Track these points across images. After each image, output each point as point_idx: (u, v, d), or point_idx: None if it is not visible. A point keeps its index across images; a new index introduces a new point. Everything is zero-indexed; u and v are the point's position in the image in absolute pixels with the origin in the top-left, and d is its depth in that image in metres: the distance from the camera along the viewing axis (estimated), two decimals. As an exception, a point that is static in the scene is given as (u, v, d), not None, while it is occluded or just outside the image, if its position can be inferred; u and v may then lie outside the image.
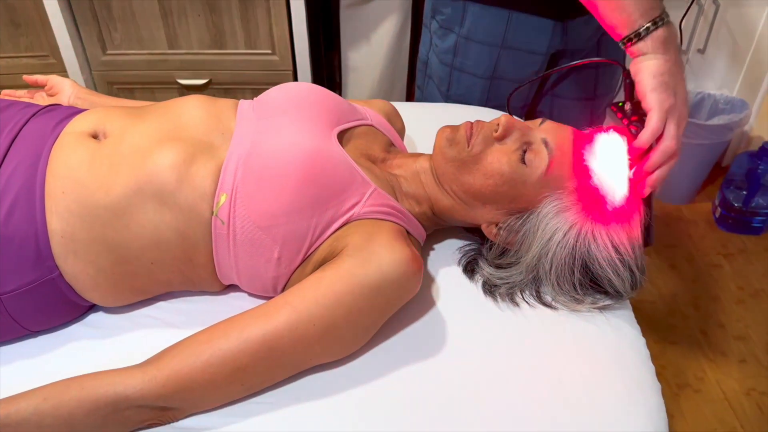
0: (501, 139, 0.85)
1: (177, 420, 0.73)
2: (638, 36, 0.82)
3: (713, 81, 2.17)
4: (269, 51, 2.00)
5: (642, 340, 0.86)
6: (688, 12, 1.99)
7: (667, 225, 2.17)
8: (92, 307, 0.86)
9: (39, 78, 1.18)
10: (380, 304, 0.76)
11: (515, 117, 0.88)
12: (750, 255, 2.07)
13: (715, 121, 2.09)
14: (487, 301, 0.88)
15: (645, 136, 0.81)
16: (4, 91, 1.17)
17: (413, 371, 0.79)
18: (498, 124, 0.85)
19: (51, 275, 0.79)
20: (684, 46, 2.06)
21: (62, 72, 2.00)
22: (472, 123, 0.88)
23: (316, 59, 2.05)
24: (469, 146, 0.86)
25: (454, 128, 0.89)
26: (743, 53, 2.11)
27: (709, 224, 2.19)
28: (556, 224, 0.83)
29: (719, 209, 2.14)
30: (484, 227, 0.89)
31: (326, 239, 0.81)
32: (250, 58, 2.01)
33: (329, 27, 2.11)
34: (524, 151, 0.84)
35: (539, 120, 0.88)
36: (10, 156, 0.82)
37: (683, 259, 2.06)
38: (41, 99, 1.16)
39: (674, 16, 2.07)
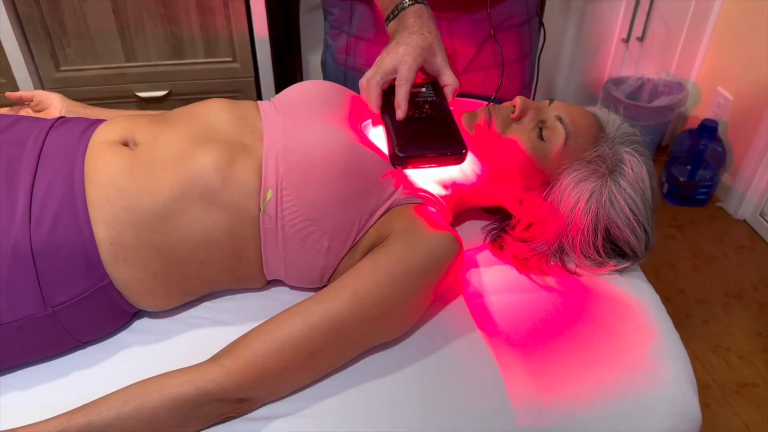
0: (518, 119, 0.91)
1: (252, 410, 0.74)
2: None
3: (652, 66, 2.32)
4: (230, 58, 1.99)
5: (657, 296, 0.94)
6: (626, 3, 2.14)
7: (622, 203, 2.31)
8: (136, 314, 0.86)
9: (24, 94, 1.16)
10: (432, 283, 0.80)
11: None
12: (698, 225, 2.23)
13: (657, 103, 2.25)
14: (517, 274, 0.93)
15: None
16: (-9, 110, 1.14)
17: (465, 343, 0.83)
18: (514, 106, 0.91)
19: (101, 283, 0.78)
20: (624, 36, 2.20)
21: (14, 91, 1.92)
22: (487, 107, 0.93)
23: (277, 64, 2.07)
24: (489, 129, 0.91)
25: (471, 114, 0.94)
26: (676, 39, 2.28)
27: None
28: (578, 194, 0.89)
29: (666, 185, 2.29)
30: (508, 204, 0.94)
31: (372, 225, 0.84)
32: (210, 67, 2.00)
33: (288, 31, 2.13)
34: (540, 129, 0.90)
35: (547, 100, 0.95)
36: (41, 169, 0.81)
37: (640, 234, 2.19)
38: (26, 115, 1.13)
39: (613, 8, 2.20)
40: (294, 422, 0.74)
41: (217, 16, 1.90)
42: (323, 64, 1.34)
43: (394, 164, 0.84)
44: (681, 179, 2.23)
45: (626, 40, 2.22)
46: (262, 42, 1.96)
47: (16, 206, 0.77)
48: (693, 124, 2.35)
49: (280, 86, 2.11)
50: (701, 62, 2.29)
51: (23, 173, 0.81)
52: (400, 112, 0.85)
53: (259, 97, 2.09)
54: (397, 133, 0.85)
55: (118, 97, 2.00)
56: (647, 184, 0.91)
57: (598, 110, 0.98)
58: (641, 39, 2.23)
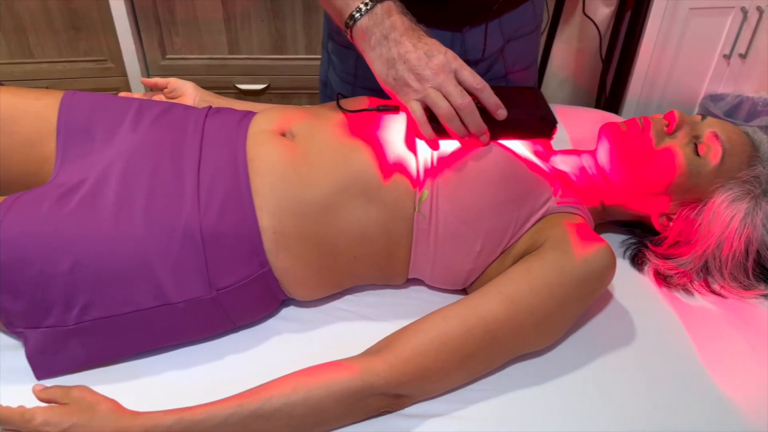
0: (672, 132, 0.89)
1: (405, 407, 0.75)
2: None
3: (751, 84, 2.26)
4: (329, 56, 2.01)
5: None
6: (732, 18, 2.08)
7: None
8: (283, 302, 0.88)
9: (159, 80, 1.19)
10: (586, 294, 0.79)
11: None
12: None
13: (756, 122, 2.18)
14: (657, 290, 0.92)
15: (424, 132, 0.79)
16: (122, 93, 1.17)
17: (609, 359, 0.83)
18: (668, 119, 0.90)
19: (262, 270, 0.80)
20: (727, 52, 2.14)
21: (122, 76, 1.99)
22: (640, 118, 0.92)
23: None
24: (642, 140, 0.89)
25: (621, 124, 0.92)
26: (780, 57, 2.21)
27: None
28: (731, 214, 0.87)
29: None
30: (654, 219, 0.93)
31: (526, 232, 0.83)
32: (308, 63, 2.03)
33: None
34: (695, 144, 0.88)
35: (699, 116, 0.93)
36: (204, 155, 0.84)
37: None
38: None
39: (718, 23, 2.14)
40: (446, 423, 0.74)
41: (320, 13, 1.92)
42: (325, 83, 1.27)
43: (549, 134, 0.83)
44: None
45: (728, 56, 2.16)
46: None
47: (184, 190, 0.80)
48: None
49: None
50: (805, 83, 2.21)
51: (188, 158, 0.83)
52: (503, 111, 0.80)
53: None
54: (521, 122, 0.82)
55: (218, 87, 2.04)
56: (802, 207, 0.89)
57: (748, 129, 0.95)
58: (744, 56, 2.16)
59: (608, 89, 2.20)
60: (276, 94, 2.08)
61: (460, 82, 0.77)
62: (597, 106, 2.25)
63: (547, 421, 0.75)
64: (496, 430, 0.74)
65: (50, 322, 0.74)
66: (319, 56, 2.01)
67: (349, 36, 0.82)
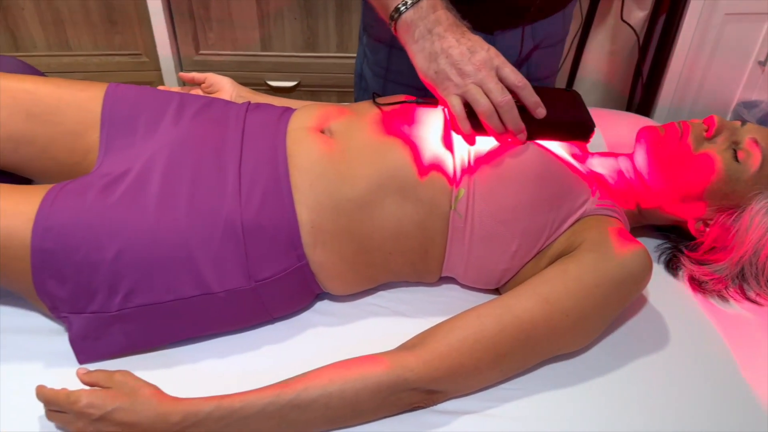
0: (711, 137, 0.89)
1: (439, 403, 0.76)
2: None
3: (784, 92, 2.23)
4: (360, 55, 2.03)
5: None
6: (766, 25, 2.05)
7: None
8: (318, 295, 0.89)
9: (196, 75, 1.20)
10: (622, 297, 0.79)
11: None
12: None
13: (789, 131, 2.15)
14: (692, 296, 0.92)
15: (462, 127, 0.80)
16: (161, 87, 1.19)
17: (641, 363, 0.83)
18: (708, 124, 0.89)
19: (299, 264, 0.81)
20: (762, 58, 2.12)
21: (155, 71, 2.02)
22: (679, 123, 0.91)
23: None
24: (681, 144, 0.89)
25: (660, 128, 0.92)
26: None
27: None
28: (771, 221, 0.86)
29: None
30: (691, 224, 0.92)
31: (562, 233, 0.84)
32: (340, 62, 2.04)
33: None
34: (734, 150, 0.88)
35: (738, 121, 0.92)
36: (246, 149, 0.85)
37: None
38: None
39: (754, 29, 2.11)
40: (478, 421, 0.75)
41: (353, 12, 1.94)
42: (360, 75, 1.27)
43: (586, 137, 0.84)
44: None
45: (763, 63, 2.13)
46: (393, 40, 1.99)
47: (225, 183, 0.81)
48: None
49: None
50: (842, 92, 2.18)
51: (229, 153, 0.84)
52: (543, 110, 0.80)
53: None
54: (559, 123, 0.82)
55: (249, 84, 2.02)
56: (842, 216, 0.88)
57: None
58: (777, 64, 2.13)
59: (644, 80, 2.16)
60: (306, 91, 2.09)
61: (501, 80, 0.78)
62: (628, 111, 2.24)
63: (578, 423, 0.75)
64: (528, 429, 0.74)
65: (94, 307, 0.76)
66: (351, 54, 2.04)
67: (393, 29, 0.83)
